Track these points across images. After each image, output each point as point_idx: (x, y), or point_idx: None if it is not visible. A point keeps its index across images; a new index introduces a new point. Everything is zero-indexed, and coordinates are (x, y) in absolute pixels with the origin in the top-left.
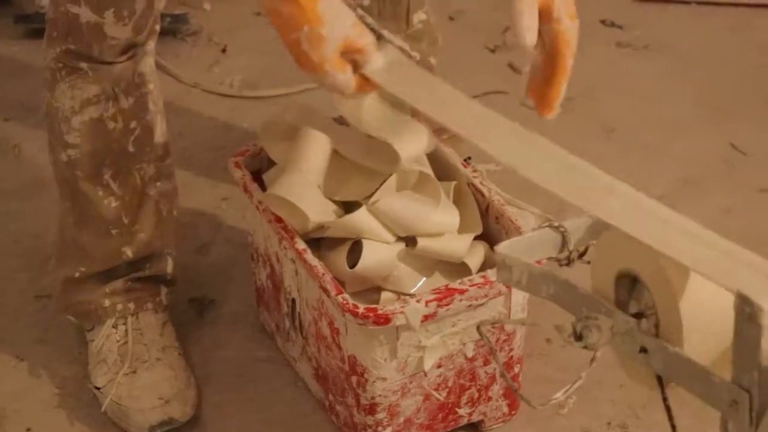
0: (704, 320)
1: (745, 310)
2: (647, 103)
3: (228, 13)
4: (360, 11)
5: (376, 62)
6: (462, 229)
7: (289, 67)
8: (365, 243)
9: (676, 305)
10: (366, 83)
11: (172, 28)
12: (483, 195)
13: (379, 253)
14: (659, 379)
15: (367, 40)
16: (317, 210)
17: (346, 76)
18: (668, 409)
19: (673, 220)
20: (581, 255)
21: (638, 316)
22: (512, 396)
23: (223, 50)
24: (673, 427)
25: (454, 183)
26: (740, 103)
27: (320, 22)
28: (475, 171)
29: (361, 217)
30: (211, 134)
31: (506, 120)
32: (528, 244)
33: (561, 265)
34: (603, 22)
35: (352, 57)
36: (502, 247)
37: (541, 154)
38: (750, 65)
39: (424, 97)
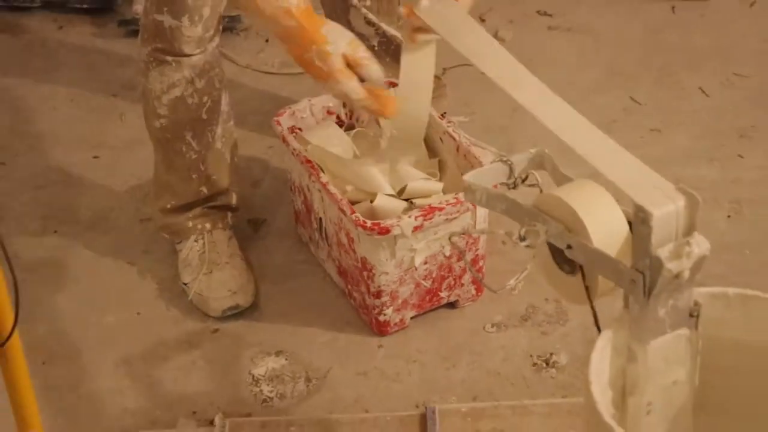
0: (600, 225)
1: (639, 215)
2: (571, 70)
3: None
4: (364, 10)
5: (375, 73)
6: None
7: None
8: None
9: (580, 219)
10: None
11: (230, 26)
12: (454, 139)
13: (389, 201)
14: (587, 289)
15: (363, 54)
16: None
17: (353, 83)
18: (591, 304)
19: (599, 137)
20: (523, 180)
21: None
22: (478, 283)
23: (267, 41)
24: (594, 312)
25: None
26: (636, 69)
27: (325, 41)
28: (449, 122)
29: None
30: (259, 102)
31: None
32: (486, 173)
33: (509, 188)
34: (538, 11)
35: (355, 70)
36: (468, 176)
37: (522, 77)
38: (644, 41)
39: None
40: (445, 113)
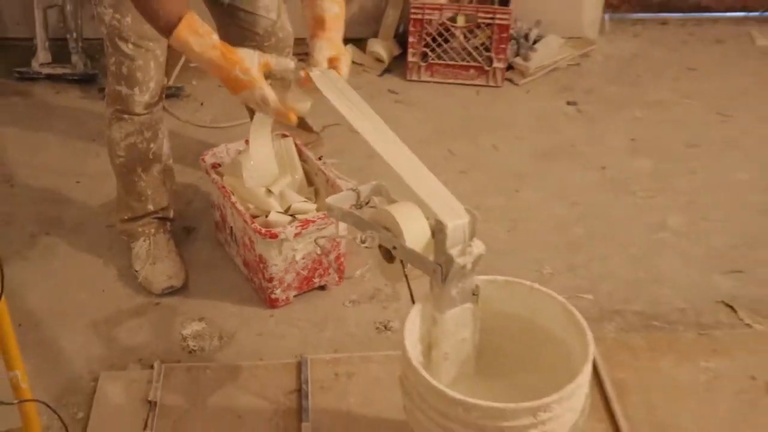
0: (412, 233)
1: (439, 225)
2: (409, 130)
3: (204, 85)
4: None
5: (285, 63)
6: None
7: (236, 112)
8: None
9: (399, 229)
10: (306, 82)
11: (176, 93)
12: (325, 174)
13: (279, 216)
14: (405, 274)
15: (271, 58)
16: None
17: (268, 89)
18: (408, 286)
19: (407, 158)
20: (367, 203)
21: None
22: (341, 270)
23: (201, 104)
24: (410, 291)
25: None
26: (452, 131)
27: (243, 59)
28: (323, 162)
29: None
30: (194, 146)
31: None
32: (343, 198)
33: (357, 208)
34: (389, 90)
35: (269, 74)
36: (330, 199)
37: (378, 129)
38: (458, 112)
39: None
40: (321, 156)
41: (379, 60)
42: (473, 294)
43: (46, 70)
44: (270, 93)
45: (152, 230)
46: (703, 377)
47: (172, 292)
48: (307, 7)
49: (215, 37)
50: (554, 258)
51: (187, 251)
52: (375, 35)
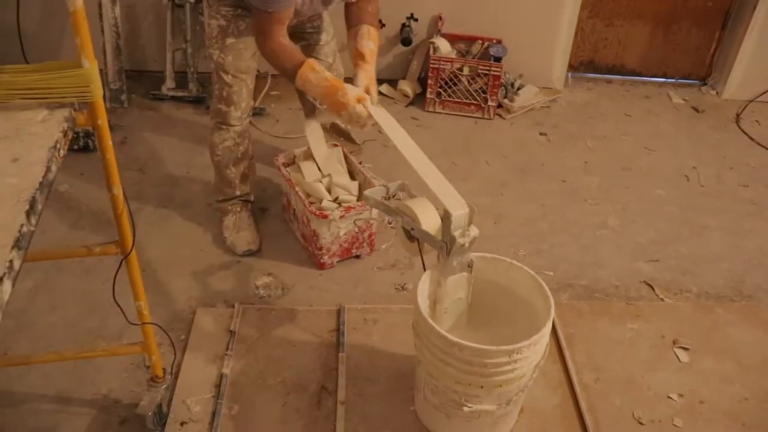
0: (427, 221)
1: (447, 214)
2: (424, 148)
3: (280, 107)
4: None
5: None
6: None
7: (301, 128)
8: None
9: (417, 218)
10: (371, 116)
11: (260, 113)
12: (364, 175)
13: (329, 203)
14: (418, 243)
15: (365, 95)
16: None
17: (360, 107)
18: (422, 258)
19: (428, 166)
20: (393, 196)
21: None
22: (372, 245)
23: (277, 120)
24: (423, 262)
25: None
26: (456, 150)
27: (345, 89)
28: (363, 166)
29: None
30: (271, 150)
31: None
32: (376, 191)
33: (386, 199)
34: (412, 117)
35: (362, 102)
36: (367, 192)
37: (407, 142)
38: (461, 136)
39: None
40: (361, 161)
41: (406, 95)
42: (468, 266)
43: (171, 93)
44: (360, 110)
45: (238, 208)
46: (628, 335)
47: (250, 253)
48: (351, 40)
49: (328, 73)
50: (526, 244)
51: (262, 225)
52: (404, 77)
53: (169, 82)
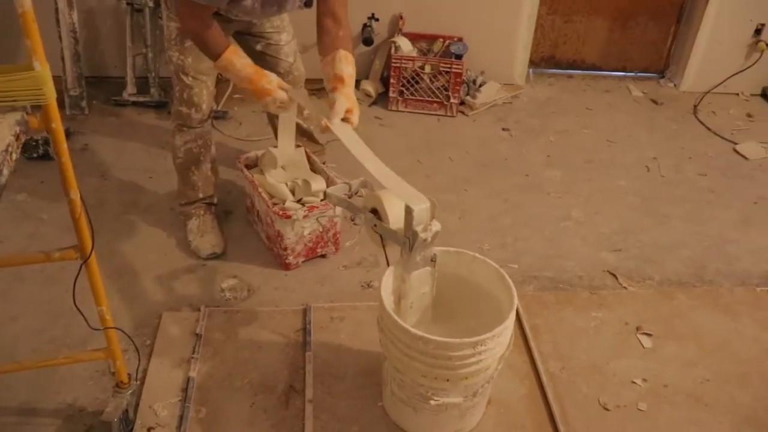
0: (393, 213)
1: (408, 209)
2: (387, 146)
3: (242, 110)
4: (299, 120)
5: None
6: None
7: (263, 131)
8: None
9: (386, 213)
10: (326, 128)
11: (222, 115)
12: (327, 174)
13: (292, 204)
14: (381, 239)
15: (284, 83)
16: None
17: (283, 94)
18: (385, 253)
19: (384, 168)
20: (356, 193)
21: (374, 212)
22: (337, 243)
23: (240, 123)
24: (386, 257)
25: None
26: (420, 147)
27: (268, 75)
28: (326, 166)
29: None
30: (234, 153)
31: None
32: (338, 189)
33: (348, 197)
34: (375, 117)
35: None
36: (329, 189)
37: (362, 150)
38: (424, 134)
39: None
40: (325, 161)
41: (369, 95)
42: (432, 260)
43: (132, 99)
44: (283, 95)
45: (201, 212)
46: (593, 323)
47: (215, 256)
48: (328, 66)
49: (249, 60)
50: (490, 238)
51: (226, 228)
52: (366, 77)
53: (130, 88)
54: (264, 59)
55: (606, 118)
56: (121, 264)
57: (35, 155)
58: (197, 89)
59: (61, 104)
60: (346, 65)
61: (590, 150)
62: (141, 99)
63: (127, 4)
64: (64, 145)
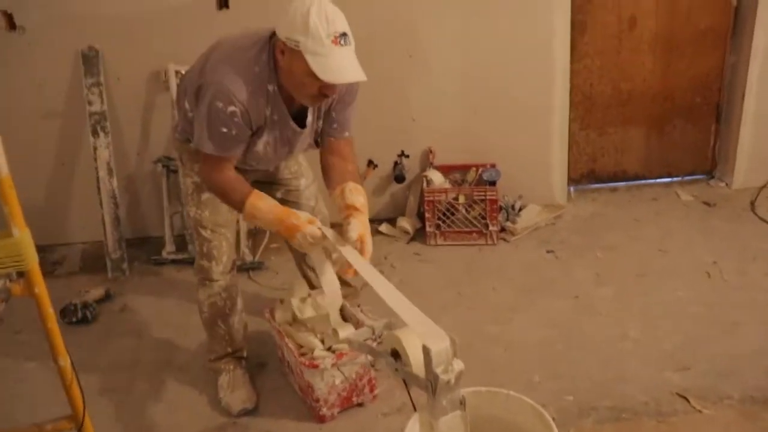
0: (414, 354)
1: (425, 349)
2: (428, 281)
3: (278, 260)
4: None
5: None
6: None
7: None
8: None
9: (407, 355)
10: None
11: (258, 266)
12: (357, 318)
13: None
14: (405, 382)
15: (314, 218)
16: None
17: (313, 228)
18: (410, 396)
19: (403, 302)
20: (379, 337)
21: (395, 355)
22: (373, 389)
23: (276, 273)
24: (412, 401)
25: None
26: (462, 279)
27: (296, 212)
28: (360, 309)
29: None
30: (270, 304)
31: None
32: (361, 333)
33: (373, 341)
34: (414, 253)
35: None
36: (350, 335)
37: (384, 284)
38: (465, 265)
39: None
40: (359, 305)
41: (406, 232)
42: (460, 403)
43: (171, 257)
44: (315, 231)
45: (231, 366)
46: None
47: (246, 413)
48: (339, 197)
49: (275, 201)
50: (541, 369)
51: (259, 381)
52: (403, 214)
53: (169, 246)
54: (286, 206)
55: (656, 227)
56: (150, 425)
57: (75, 320)
58: (216, 242)
59: (102, 267)
60: (358, 195)
61: (642, 263)
62: (179, 256)
63: (163, 166)
64: (49, 310)
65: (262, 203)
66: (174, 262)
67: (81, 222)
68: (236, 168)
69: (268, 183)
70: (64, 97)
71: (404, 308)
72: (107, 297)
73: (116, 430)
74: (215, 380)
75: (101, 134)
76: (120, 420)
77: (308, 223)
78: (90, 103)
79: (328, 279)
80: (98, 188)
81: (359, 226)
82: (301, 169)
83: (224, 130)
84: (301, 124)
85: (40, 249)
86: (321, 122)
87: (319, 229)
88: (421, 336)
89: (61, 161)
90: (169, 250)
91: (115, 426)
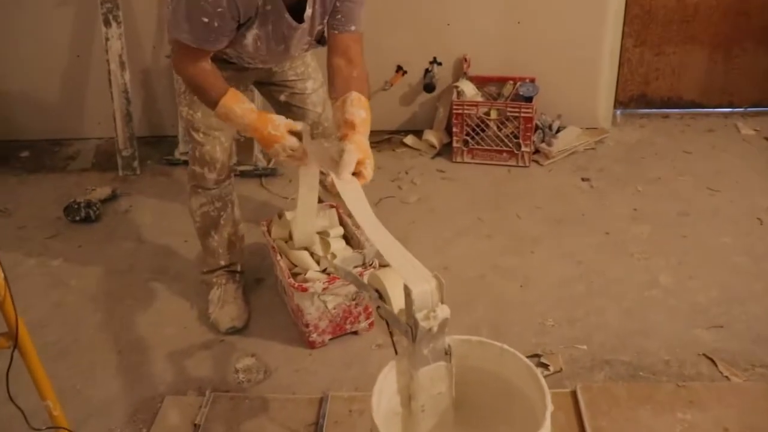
0: (397, 294)
1: (406, 290)
2: (448, 202)
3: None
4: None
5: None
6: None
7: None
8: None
9: (388, 296)
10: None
11: (271, 172)
12: (359, 239)
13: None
14: (387, 324)
15: (298, 126)
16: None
17: (294, 140)
18: (392, 340)
19: (391, 242)
20: (370, 264)
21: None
22: (369, 318)
23: (290, 180)
24: (394, 346)
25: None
26: (484, 202)
27: (273, 120)
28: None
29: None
30: (270, 212)
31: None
32: (350, 260)
33: (363, 268)
34: (438, 170)
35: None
36: (338, 261)
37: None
38: (491, 187)
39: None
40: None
41: (432, 146)
42: (446, 353)
43: (184, 158)
44: (294, 142)
45: (223, 281)
46: (678, 428)
47: (234, 331)
48: (338, 110)
49: (252, 105)
50: (557, 311)
51: (255, 298)
52: (431, 127)
53: (183, 146)
54: (290, 110)
55: (708, 162)
56: (136, 339)
57: (78, 218)
58: (209, 146)
59: (113, 165)
60: (359, 109)
61: (687, 200)
62: None
63: None
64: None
65: (237, 105)
66: (186, 163)
67: (97, 117)
68: (232, 63)
69: (271, 84)
70: None
71: (391, 248)
72: (113, 196)
73: (99, 340)
74: (208, 293)
75: (113, 24)
76: (105, 330)
77: (288, 134)
78: None
79: (305, 208)
80: (109, 81)
81: (355, 151)
82: (308, 70)
83: (205, 19)
84: (299, 18)
85: (56, 143)
86: (322, 16)
87: (302, 143)
88: (404, 276)
89: (76, 53)
90: (182, 150)
91: (98, 335)
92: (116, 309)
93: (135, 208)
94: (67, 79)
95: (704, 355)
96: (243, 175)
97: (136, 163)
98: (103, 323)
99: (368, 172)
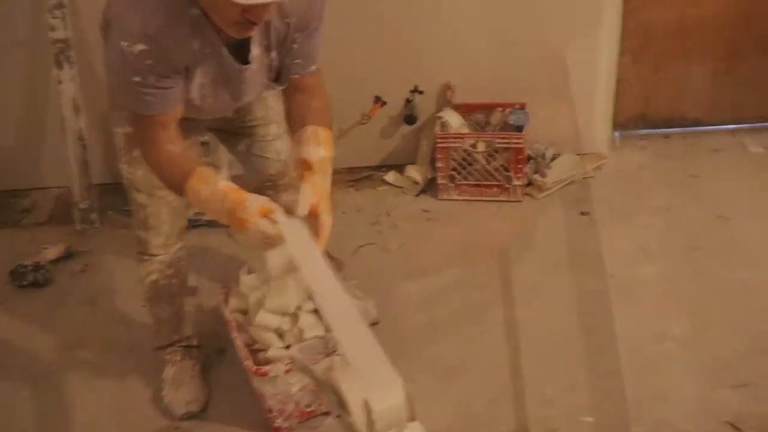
0: (358, 408)
1: (367, 405)
2: (430, 247)
3: None
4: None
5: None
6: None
7: None
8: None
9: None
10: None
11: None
12: None
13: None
14: None
15: (273, 206)
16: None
17: (266, 225)
18: None
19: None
20: (334, 351)
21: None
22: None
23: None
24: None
25: None
26: (477, 247)
27: (245, 201)
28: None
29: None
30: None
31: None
32: (310, 346)
33: (325, 356)
34: (423, 209)
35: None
36: (295, 349)
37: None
38: (482, 226)
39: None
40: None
41: (416, 182)
42: None
43: None
44: (266, 225)
45: (178, 357)
46: None
47: (191, 416)
48: (294, 147)
49: (224, 183)
50: (556, 375)
51: (215, 372)
52: (414, 161)
53: None
54: (250, 161)
55: (716, 185)
56: (84, 425)
57: (25, 283)
58: (153, 209)
59: (70, 219)
60: (316, 146)
61: (696, 232)
62: None
63: None
64: None
65: (204, 188)
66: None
67: (54, 164)
68: (185, 118)
69: (228, 132)
70: (28, 23)
71: (353, 339)
72: (68, 255)
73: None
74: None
75: (65, 65)
76: (40, 418)
77: (260, 216)
78: (52, 29)
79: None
80: (64, 128)
81: (310, 193)
82: (270, 114)
83: (136, 78)
84: (244, 59)
85: (11, 194)
86: (277, 54)
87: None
88: (366, 384)
89: (31, 96)
90: None
91: (32, 427)
92: (57, 393)
93: (91, 267)
94: (23, 126)
95: (729, 423)
96: (209, 225)
97: (94, 215)
98: (35, 411)
99: (325, 218)
